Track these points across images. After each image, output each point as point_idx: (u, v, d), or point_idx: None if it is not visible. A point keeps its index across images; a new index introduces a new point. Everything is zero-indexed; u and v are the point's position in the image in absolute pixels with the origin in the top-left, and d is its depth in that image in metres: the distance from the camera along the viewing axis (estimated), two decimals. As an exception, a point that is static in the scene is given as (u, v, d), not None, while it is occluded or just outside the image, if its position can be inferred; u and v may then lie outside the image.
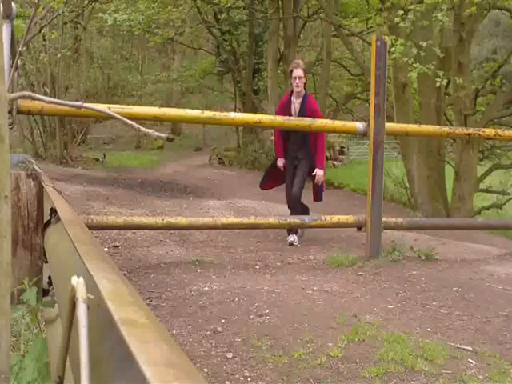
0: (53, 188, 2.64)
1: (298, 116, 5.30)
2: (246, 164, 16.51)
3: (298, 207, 5.48)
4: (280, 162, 5.67)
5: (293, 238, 5.41)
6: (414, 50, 8.79)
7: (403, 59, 8.73)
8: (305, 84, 5.58)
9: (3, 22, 3.27)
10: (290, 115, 5.33)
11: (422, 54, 8.76)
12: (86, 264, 1.04)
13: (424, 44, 8.61)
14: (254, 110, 15.79)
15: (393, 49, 8.47)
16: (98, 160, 15.90)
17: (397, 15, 8.90)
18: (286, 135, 5.60)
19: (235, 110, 19.16)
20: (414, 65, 8.73)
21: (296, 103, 5.50)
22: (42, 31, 10.77)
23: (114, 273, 1.04)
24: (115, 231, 5.07)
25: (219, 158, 18.95)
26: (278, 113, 5.54)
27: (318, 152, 5.53)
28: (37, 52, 12.87)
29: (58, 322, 1.59)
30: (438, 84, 9.18)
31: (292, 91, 5.59)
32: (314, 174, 5.52)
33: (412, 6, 8.76)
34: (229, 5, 14.03)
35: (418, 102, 12.42)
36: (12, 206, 1.07)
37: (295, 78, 5.46)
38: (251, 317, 3.14)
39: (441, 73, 9.07)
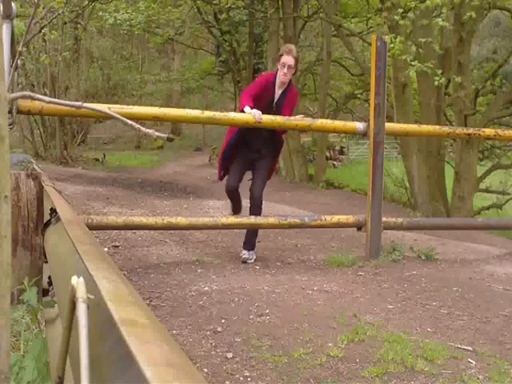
0: (53, 188, 2.64)
1: (276, 108, 4.69)
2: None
3: (260, 210, 4.83)
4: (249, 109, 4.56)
5: (247, 254, 4.72)
6: (414, 48, 8.78)
7: (402, 56, 8.73)
8: (293, 75, 4.79)
9: (3, 22, 3.27)
10: (267, 104, 4.65)
11: (421, 51, 8.76)
12: (86, 264, 1.04)
13: (423, 40, 8.61)
14: (254, 110, 15.77)
15: (391, 45, 8.46)
16: (97, 160, 15.92)
17: (397, 13, 8.90)
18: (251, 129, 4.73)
19: (235, 110, 19.15)
20: (413, 63, 8.73)
21: (277, 93, 4.74)
22: (42, 31, 10.76)
23: (114, 273, 1.04)
24: (115, 231, 5.07)
25: (219, 158, 18.92)
26: (251, 92, 4.71)
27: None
28: (37, 52, 12.87)
29: (58, 321, 1.59)
30: (436, 83, 9.18)
31: (275, 75, 4.75)
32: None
33: (412, 4, 8.76)
34: (229, 5, 14.04)
35: (418, 102, 12.42)
36: (12, 206, 1.07)
37: (284, 65, 4.63)
38: (251, 317, 3.14)
39: (439, 71, 9.07)
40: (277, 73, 4.74)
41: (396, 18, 8.83)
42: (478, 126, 9.73)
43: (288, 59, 4.63)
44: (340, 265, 4.50)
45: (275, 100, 4.74)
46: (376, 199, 4.69)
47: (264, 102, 4.65)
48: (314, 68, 18.42)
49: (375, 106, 4.68)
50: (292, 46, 4.88)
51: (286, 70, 4.64)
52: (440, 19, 8.43)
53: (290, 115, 4.74)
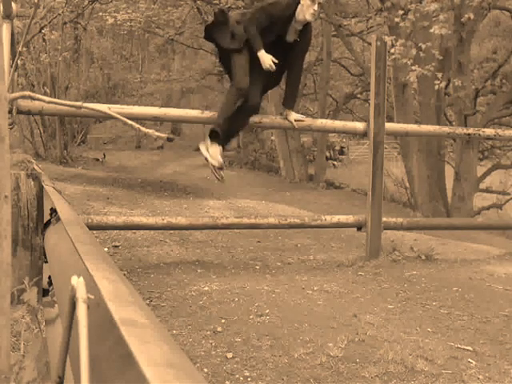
0: (53, 188, 2.64)
1: (290, 48, 4.21)
2: (245, 164, 16.53)
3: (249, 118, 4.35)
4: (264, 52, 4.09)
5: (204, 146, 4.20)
6: (414, 51, 8.79)
7: (403, 60, 8.74)
8: None
9: (3, 21, 3.27)
10: (282, 44, 4.17)
11: (422, 54, 8.77)
12: (86, 264, 1.04)
13: (423, 46, 8.61)
14: (254, 110, 15.77)
15: (393, 49, 8.47)
16: (97, 160, 15.92)
17: (397, 15, 8.91)
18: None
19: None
20: (413, 67, 8.73)
21: (293, 30, 4.15)
22: (42, 31, 10.77)
23: (114, 273, 1.04)
24: (115, 231, 5.07)
25: (219, 158, 18.94)
26: (266, 18, 4.10)
27: (292, 87, 4.47)
28: (37, 52, 12.87)
29: (57, 321, 1.59)
30: (436, 87, 9.21)
31: (294, 7, 4.05)
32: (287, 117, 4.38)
33: (412, 6, 8.75)
34: (229, 5, 14.03)
35: (418, 102, 12.45)
36: (12, 206, 1.07)
37: (313, 0, 3.96)
38: (251, 317, 3.14)
39: (440, 74, 9.08)
40: (297, 4, 4.10)
41: (396, 20, 8.83)
42: (478, 126, 9.74)
43: None
44: (340, 265, 4.50)
45: (290, 38, 4.19)
46: (376, 199, 4.69)
47: (275, 34, 4.10)
48: (314, 68, 18.42)
49: (375, 105, 4.68)
50: None
51: (316, 7, 4.01)
52: (436, 26, 8.39)
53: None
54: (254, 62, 4.17)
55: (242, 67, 4.16)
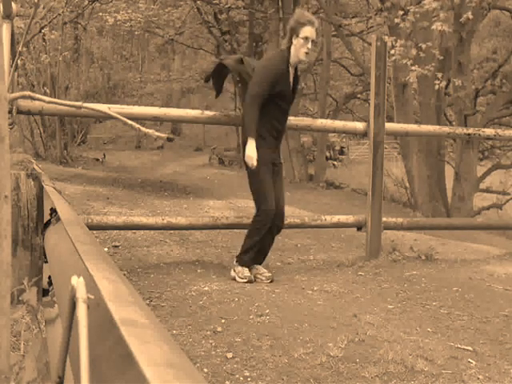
0: (53, 188, 2.64)
1: (292, 96, 4.03)
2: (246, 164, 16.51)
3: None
4: (253, 149, 3.79)
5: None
6: (414, 51, 8.80)
7: (403, 61, 8.75)
8: None
9: (3, 21, 3.27)
10: (284, 94, 3.92)
11: (422, 54, 8.78)
12: (86, 264, 1.04)
13: (423, 46, 8.62)
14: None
15: (393, 51, 8.47)
16: (97, 160, 15.93)
17: (397, 16, 8.91)
18: (273, 125, 3.94)
19: (235, 110, 19.14)
20: (413, 67, 8.74)
21: (290, 73, 3.91)
22: (42, 31, 10.78)
23: (114, 273, 1.04)
24: (115, 231, 5.07)
25: (219, 158, 19.02)
26: (264, 88, 3.78)
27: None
28: (37, 52, 12.88)
29: (57, 321, 1.59)
30: (436, 87, 9.21)
31: (288, 55, 3.84)
32: None
33: (411, 7, 8.76)
34: (229, 5, 14.05)
35: (418, 102, 12.46)
36: (12, 206, 1.07)
37: (307, 39, 3.75)
38: (251, 317, 3.14)
39: (440, 74, 9.09)
40: (289, 49, 3.86)
41: (396, 20, 8.84)
42: (478, 126, 9.74)
43: (313, 32, 3.77)
44: (340, 265, 4.50)
45: (290, 83, 3.94)
46: (376, 199, 4.68)
47: (280, 90, 3.85)
48: (314, 68, 18.43)
49: (375, 105, 4.68)
50: (312, 17, 3.92)
51: (310, 45, 3.79)
52: (438, 23, 8.39)
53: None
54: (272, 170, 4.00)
55: (262, 190, 3.95)
